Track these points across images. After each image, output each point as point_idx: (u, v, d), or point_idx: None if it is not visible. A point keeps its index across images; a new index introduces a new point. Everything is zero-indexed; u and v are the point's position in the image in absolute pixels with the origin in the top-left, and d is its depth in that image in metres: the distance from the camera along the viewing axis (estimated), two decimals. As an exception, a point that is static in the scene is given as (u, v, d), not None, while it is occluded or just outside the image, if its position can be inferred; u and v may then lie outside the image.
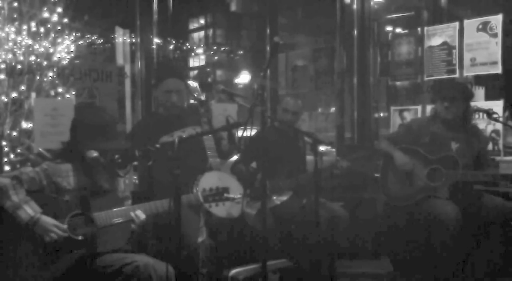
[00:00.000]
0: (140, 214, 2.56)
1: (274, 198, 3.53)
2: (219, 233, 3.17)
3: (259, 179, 3.33)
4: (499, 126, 4.23)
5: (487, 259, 3.38)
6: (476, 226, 3.37)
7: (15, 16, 4.54)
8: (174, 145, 2.31)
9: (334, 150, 5.44)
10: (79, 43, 5.51)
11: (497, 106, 4.15)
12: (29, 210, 2.41)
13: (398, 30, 6.98)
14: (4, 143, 4.29)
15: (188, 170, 2.96)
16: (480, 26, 4.39)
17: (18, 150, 4.34)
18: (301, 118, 4.04)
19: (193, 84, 3.40)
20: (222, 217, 2.94)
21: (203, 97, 3.34)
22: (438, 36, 4.73)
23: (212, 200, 2.64)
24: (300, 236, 3.47)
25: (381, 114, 6.32)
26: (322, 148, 2.93)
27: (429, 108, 4.68)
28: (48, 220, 2.43)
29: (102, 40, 6.57)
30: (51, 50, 4.72)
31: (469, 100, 3.54)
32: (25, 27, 4.57)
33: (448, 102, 3.46)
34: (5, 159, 4.20)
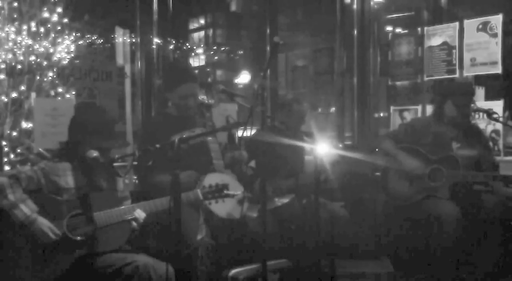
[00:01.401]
0: (140, 213, 2.56)
1: (276, 199, 3.51)
2: (220, 234, 3.15)
3: (259, 180, 3.32)
4: (499, 126, 4.23)
5: (488, 259, 3.37)
6: (476, 226, 3.36)
7: (15, 16, 4.54)
8: (174, 145, 2.31)
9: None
10: (79, 43, 5.51)
11: (497, 106, 4.14)
12: (25, 209, 2.41)
13: (398, 30, 6.96)
14: (4, 143, 4.29)
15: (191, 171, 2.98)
16: (480, 26, 4.38)
17: (18, 150, 4.34)
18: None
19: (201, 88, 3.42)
20: (222, 217, 2.95)
21: (209, 101, 3.36)
22: (438, 36, 4.73)
23: (212, 197, 2.65)
24: (300, 236, 3.47)
25: (381, 114, 6.30)
26: (322, 148, 2.93)
27: (429, 108, 4.68)
28: (43, 221, 2.43)
29: (102, 40, 6.56)
30: (51, 50, 4.72)
31: (472, 97, 3.54)
32: (25, 27, 4.58)
33: (453, 103, 3.45)
34: (5, 159, 4.20)
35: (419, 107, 4.95)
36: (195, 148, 3.08)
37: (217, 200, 2.68)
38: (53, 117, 3.85)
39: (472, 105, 3.60)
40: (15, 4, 4.53)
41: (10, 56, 4.45)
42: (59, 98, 4.61)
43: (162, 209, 2.60)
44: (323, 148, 2.94)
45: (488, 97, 5.95)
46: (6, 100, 4.40)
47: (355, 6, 5.26)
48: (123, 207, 2.59)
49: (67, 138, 2.72)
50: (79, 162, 2.63)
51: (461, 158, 3.39)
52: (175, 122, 3.24)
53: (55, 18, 4.74)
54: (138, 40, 6.58)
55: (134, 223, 2.56)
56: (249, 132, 2.57)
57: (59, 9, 4.77)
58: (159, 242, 3.06)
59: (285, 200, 3.49)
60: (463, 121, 3.52)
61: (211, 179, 2.84)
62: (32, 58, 4.57)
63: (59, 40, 4.79)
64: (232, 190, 2.73)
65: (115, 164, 2.81)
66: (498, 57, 4.28)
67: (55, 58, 4.75)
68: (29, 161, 4.09)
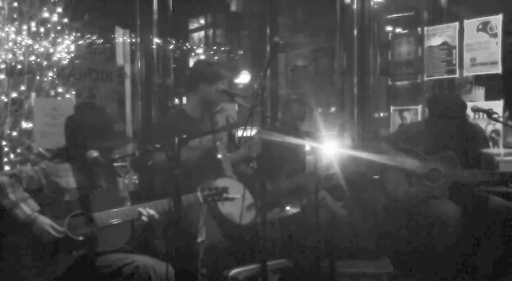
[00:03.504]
0: (148, 210, 2.56)
1: (288, 208, 3.48)
2: (234, 233, 3.14)
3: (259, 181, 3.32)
4: (499, 126, 4.23)
5: (489, 260, 3.37)
6: (479, 228, 3.36)
7: (15, 16, 4.54)
8: (174, 145, 2.31)
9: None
10: (79, 43, 5.52)
11: (497, 106, 4.14)
12: (26, 208, 2.41)
13: (398, 30, 6.96)
14: (4, 143, 4.29)
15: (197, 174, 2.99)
16: (480, 26, 4.39)
17: (18, 150, 4.34)
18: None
19: None
20: (232, 220, 2.96)
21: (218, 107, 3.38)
22: (438, 36, 4.73)
23: (212, 200, 2.65)
24: (301, 236, 3.46)
25: (381, 114, 6.31)
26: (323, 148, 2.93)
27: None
28: (44, 220, 2.43)
29: (102, 40, 6.56)
30: (51, 50, 4.73)
31: (464, 109, 3.51)
32: (25, 27, 4.58)
33: (446, 120, 3.44)
34: (5, 159, 4.21)
35: (419, 107, 4.95)
36: (205, 153, 3.11)
37: (223, 203, 2.69)
38: (53, 117, 3.86)
39: (473, 105, 3.59)
40: (15, 4, 4.54)
41: (10, 56, 4.46)
42: (59, 98, 4.62)
43: (162, 210, 2.60)
44: (327, 148, 2.94)
45: (488, 97, 5.95)
46: (6, 100, 4.41)
47: (355, 6, 5.25)
48: (124, 208, 2.59)
49: (65, 139, 2.72)
50: (79, 162, 2.63)
51: (459, 158, 3.38)
52: (191, 123, 3.22)
53: (55, 18, 4.74)
54: (138, 40, 6.57)
55: (144, 218, 2.55)
56: (249, 132, 2.57)
57: (59, 9, 4.77)
58: (162, 244, 3.07)
59: (295, 210, 3.44)
60: (451, 131, 3.48)
61: (221, 184, 2.87)
62: (32, 58, 4.57)
63: (59, 40, 4.80)
64: (236, 194, 2.73)
65: (115, 164, 2.81)
66: (498, 57, 4.28)
67: (55, 58, 4.75)
68: (29, 161, 4.09)
